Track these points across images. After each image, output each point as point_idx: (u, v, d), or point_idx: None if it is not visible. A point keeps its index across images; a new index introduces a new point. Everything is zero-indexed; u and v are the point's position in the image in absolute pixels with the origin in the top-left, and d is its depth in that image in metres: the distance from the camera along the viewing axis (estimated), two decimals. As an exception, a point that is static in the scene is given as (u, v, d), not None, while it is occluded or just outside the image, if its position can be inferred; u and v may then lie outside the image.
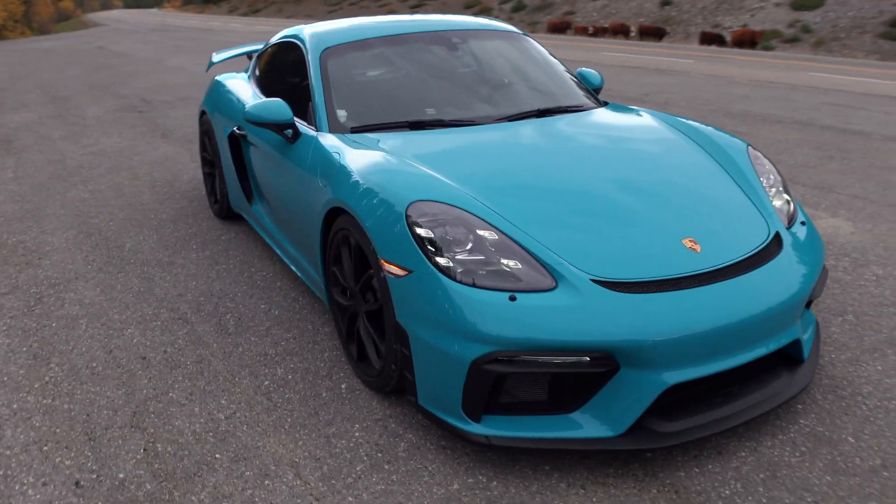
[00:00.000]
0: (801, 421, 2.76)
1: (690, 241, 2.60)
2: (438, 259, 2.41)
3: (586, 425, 2.41)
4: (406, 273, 2.46)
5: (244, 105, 4.23)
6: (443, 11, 36.87)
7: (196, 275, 4.15)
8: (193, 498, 2.38)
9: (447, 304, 2.35)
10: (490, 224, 2.49)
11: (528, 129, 3.29)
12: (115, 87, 11.72)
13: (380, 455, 2.57)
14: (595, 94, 3.99)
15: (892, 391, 2.94)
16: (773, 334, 2.58)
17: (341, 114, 3.41)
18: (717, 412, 2.51)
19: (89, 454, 2.61)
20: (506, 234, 2.47)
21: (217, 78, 5.05)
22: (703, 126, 3.46)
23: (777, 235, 2.80)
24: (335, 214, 2.98)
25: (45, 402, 2.95)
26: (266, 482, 2.44)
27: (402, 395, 2.88)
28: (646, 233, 2.61)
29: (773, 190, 3.10)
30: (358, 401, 2.89)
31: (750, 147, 3.33)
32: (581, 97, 3.79)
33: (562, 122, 3.39)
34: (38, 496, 2.41)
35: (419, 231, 2.47)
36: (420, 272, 2.43)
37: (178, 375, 3.11)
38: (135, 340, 3.42)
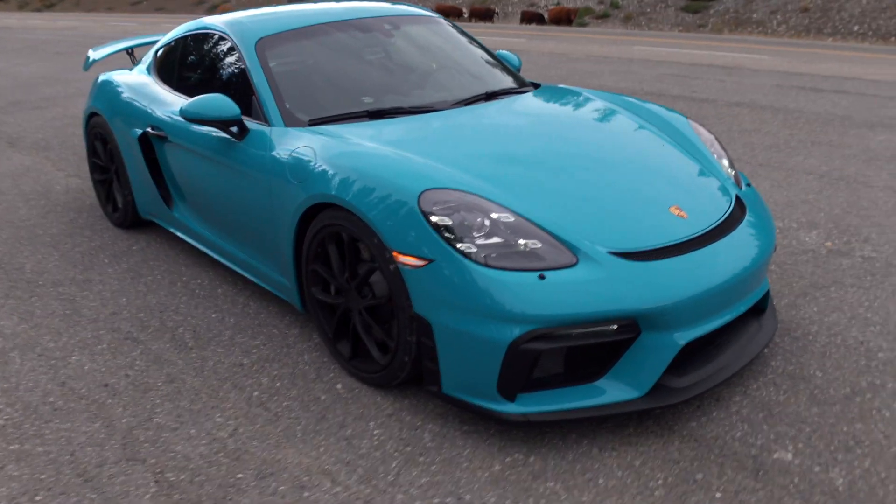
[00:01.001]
0: (772, 363, 3.01)
1: (676, 208, 2.76)
2: (459, 245, 2.41)
3: (612, 390, 2.50)
4: (425, 263, 2.44)
5: (163, 103, 3.95)
6: None
7: (122, 290, 3.85)
8: (233, 522, 2.25)
9: (476, 290, 2.36)
10: (503, 206, 2.52)
11: (490, 111, 3.32)
12: (-75, 96, 10.45)
13: (409, 449, 2.54)
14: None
15: (833, 328, 3.28)
16: (754, 287, 2.80)
17: (285, 107, 3.28)
18: (717, 363, 2.69)
19: (94, 496, 2.38)
20: (521, 216, 2.50)
21: (105, 77, 4.66)
22: (642, 101, 3.65)
23: (738, 198, 3.02)
24: (314, 211, 2.88)
25: (11, 447, 2.65)
26: (305, 494, 2.35)
27: (407, 387, 2.85)
28: (636, 205, 2.74)
29: (716, 157, 3.32)
30: (361, 399, 2.83)
31: (688, 119, 3.55)
32: (516, 79, 3.87)
33: (517, 105, 3.45)
34: (53, 548, 2.18)
35: (434, 219, 2.45)
36: (442, 261, 2.41)
37: (154, 398, 2.89)
38: (86, 368, 3.13)
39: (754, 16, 24.22)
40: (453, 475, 2.41)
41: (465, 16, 31.27)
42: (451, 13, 31.06)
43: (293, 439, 2.61)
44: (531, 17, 28.66)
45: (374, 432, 2.64)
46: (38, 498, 2.39)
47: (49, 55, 14.95)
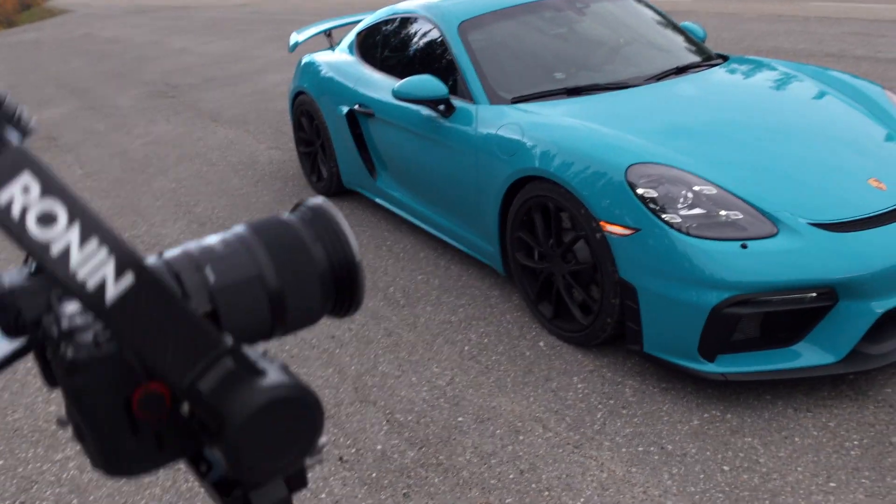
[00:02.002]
0: (974, 336, 3.00)
1: (875, 180, 2.80)
2: (664, 216, 2.60)
3: (808, 354, 2.63)
4: (632, 232, 2.65)
5: (368, 83, 4.34)
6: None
7: (334, 253, 4.29)
8: (460, 459, 2.58)
9: (681, 257, 2.55)
10: (705, 179, 2.68)
11: (683, 86, 3.45)
12: (132, 74, 11.63)
13: (612, 402, 2.78)
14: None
15: None
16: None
17: (484, 86, 3.55)
18: (913, 333, 2.74)
19: (335, 430, 2.80)
20: (722, 188, 2.66)
21: (309, 58, 5.12)
22: (836, 72, 3.65)
23: (939, 169, 3.00)
24: (520, 183, 3.15)
25: (262, 384, 3.11)
26: (520, 437, 2.65)
27: (605, 346, 3.08)
28: (834, 177, 2.81)
29: (914, 126, 3.29)
30: (563, 356, 3.09)
31: (885, 89, 3.52)
32: (704, 52, 3.95)
33: (709, 79, 3.55)
34: (311, 474, 2.60)
35: (640, 191, 2.65)
36: (647, 230, 2.61)
37: (376, 350, 3.29)
38: (315, 321, 3.58)
39: (947, -39, 22.11)
40: (655, 427, 2.63)
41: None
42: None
43: (504, 389, 2.92)
44: (693, -26, 27.54)
45: (578, 386, 2.90)
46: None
47: (230, 33, 16.06)
